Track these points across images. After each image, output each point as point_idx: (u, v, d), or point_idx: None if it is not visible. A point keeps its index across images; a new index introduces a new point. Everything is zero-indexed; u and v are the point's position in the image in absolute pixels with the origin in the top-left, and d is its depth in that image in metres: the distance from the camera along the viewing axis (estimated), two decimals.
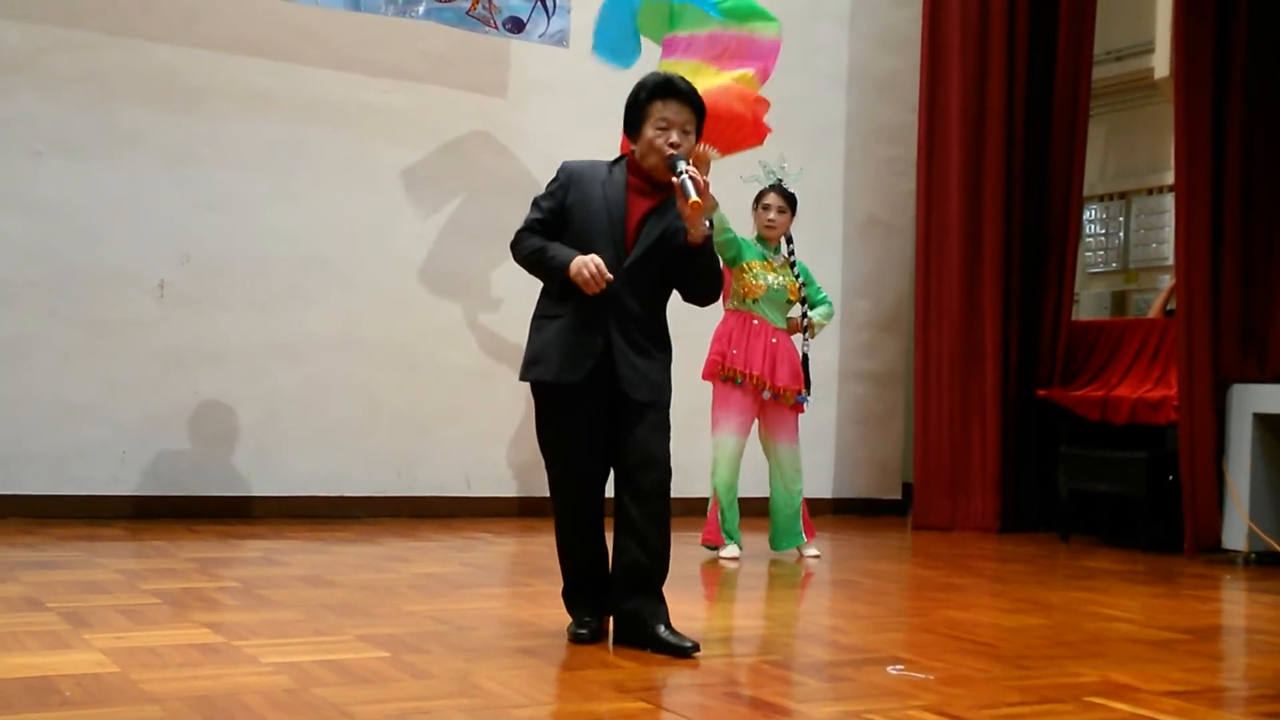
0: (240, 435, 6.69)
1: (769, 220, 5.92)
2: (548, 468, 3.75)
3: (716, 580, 5.35)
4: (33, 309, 6.27)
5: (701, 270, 3.68)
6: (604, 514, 3.76)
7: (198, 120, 6.64)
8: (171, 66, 6.59)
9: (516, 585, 4.90)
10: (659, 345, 3.71)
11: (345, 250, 6.95)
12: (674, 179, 3.57)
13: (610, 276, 3.54)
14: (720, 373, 5.81)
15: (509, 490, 7.35)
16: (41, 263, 6.29)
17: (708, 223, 3.59)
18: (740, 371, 5.78)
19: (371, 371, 7.00)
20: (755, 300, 5.85)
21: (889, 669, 3.45)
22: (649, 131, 3.67)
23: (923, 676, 3.36)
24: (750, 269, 5.84)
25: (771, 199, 5.92)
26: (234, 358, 6.67)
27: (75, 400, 6.31)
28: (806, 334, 5.98)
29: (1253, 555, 6.48)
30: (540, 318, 3.75)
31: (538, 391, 3.73)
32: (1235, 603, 5.43)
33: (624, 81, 7.77)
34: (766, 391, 5.82)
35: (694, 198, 3.46)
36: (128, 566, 4.81)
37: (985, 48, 7.96)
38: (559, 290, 3.64)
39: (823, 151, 8.23)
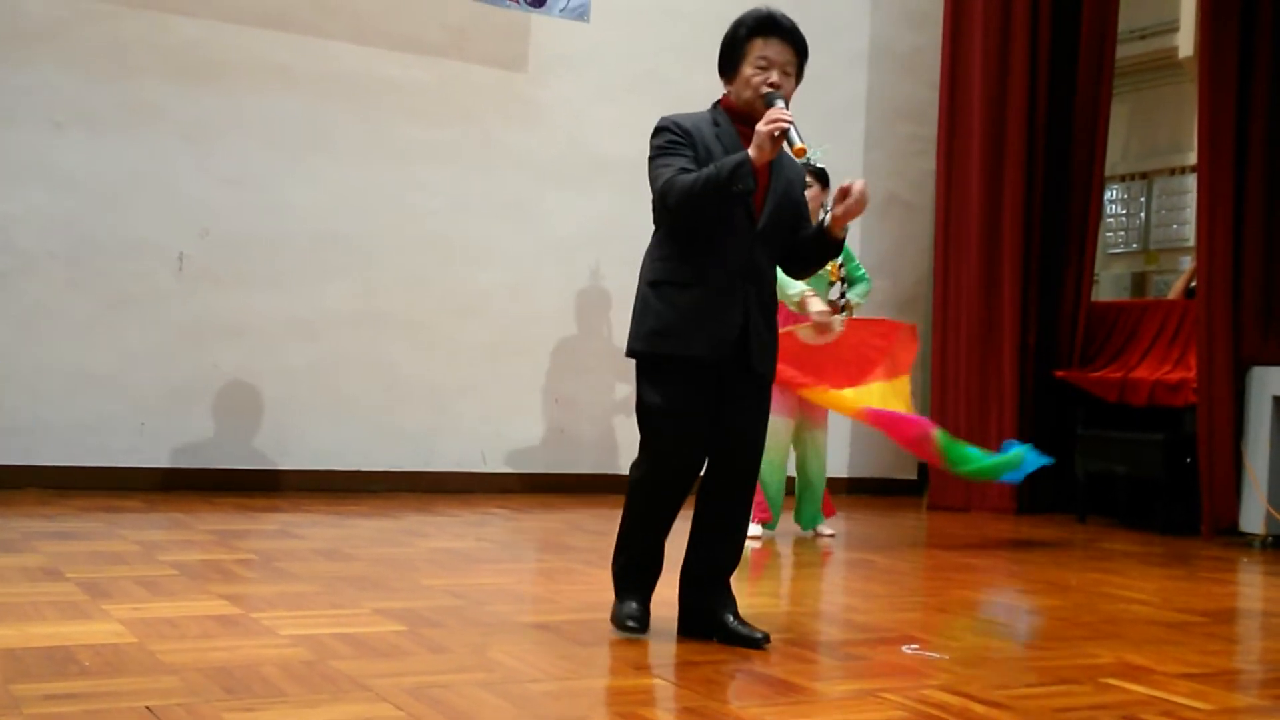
0: (259, 409, 6.71)
1: None
2: (650, 443, 3.43)
3: None
4: (53, 280, 6.29)
5: (825, 250, 3.50)
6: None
7: (218, 93, 6.64)
8: (192, 39, 6.59)
9: (533, 561, 4.91)
10: (775, 311, 3.53)
11: (364, 225, 6.96)
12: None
13: (790, 116, 3.24)
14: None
15: (525, 466, 7.37)
16: (61, 234, 6.31)
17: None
18: None
19: (389, 347, 7.01)
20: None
21: (904, 648, 3.45)
22: (747, 70, 3.39)
23: (938, 656, 3.36)
24: None
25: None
26: (253, 332, 6.69)
27: (95, 372, 6.34)
28: (844, 314, 5.97)
29: (1270, 538, 6.46)
30: (666, 284, 3.39)
31: (660, 365, 3.39)
32: (1252, 585, 5.42)
33: (646, 57, 7.80)
34: None
35: (799, 144, 3.21)
36: (146, 538, 4.84)
37: (1008, 25, 7.90)
38: (704, 241, 3.36)
39: (843, 129, 8.19)
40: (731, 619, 3.43)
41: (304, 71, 6.84)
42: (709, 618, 3.43)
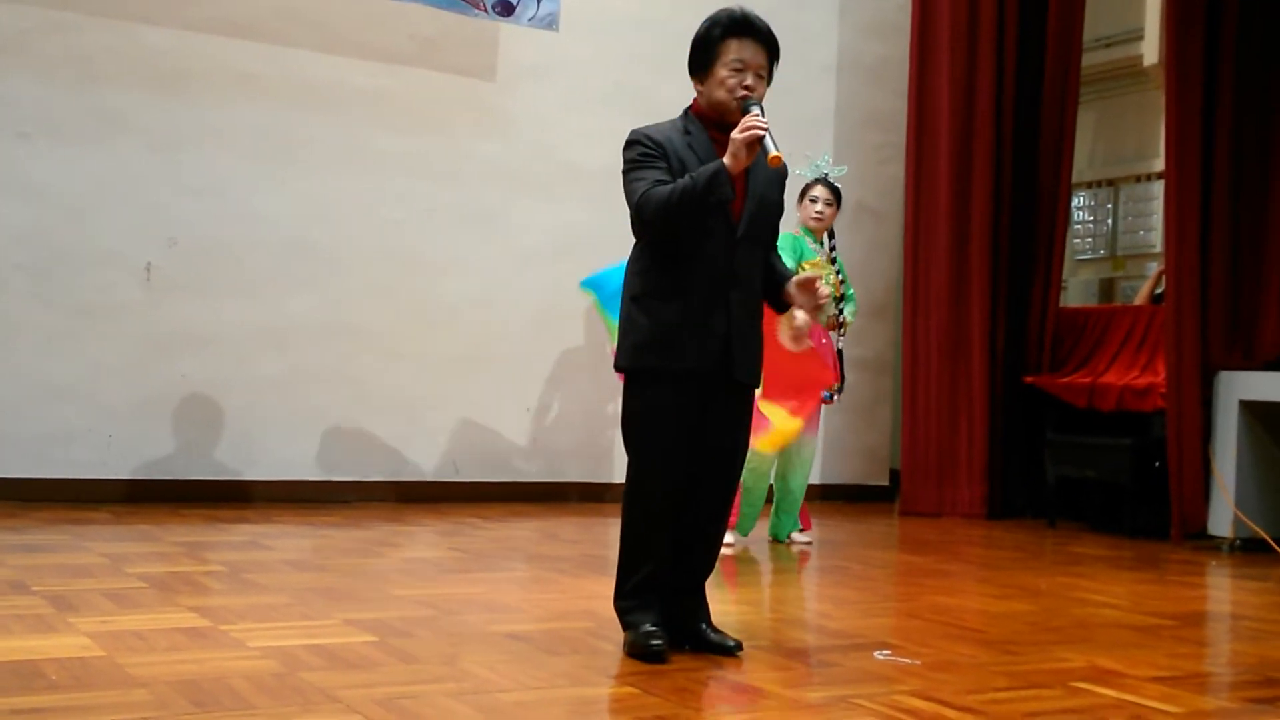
0: (228, 419, 6.67)
1: (816, 212, 5.94)
2: (640, 458, 3.36)
3: None
4: (18, 292, 6.24)
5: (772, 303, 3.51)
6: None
7: (185, 103, 6.61)
8: (159, 49, 6.55)
9: (505, 570, 4.89)
10: (760, 314, 3.46)
11: (332, 235, 6.93)
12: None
13: (766, 123, 3.22)
14: None
15: (497, 475, 7.35)
16: (27, 246, 6.26)
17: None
18: None
19: (359, 356, 6.98)
20: None
21: (876, 654, 3.45)
22: (721, 71, 3.33)
23: (909, 662, 3.37)
24: (804, 269, 5.87)
25: (819, 191, 5.94)
26: (221, 342, 6.65)
27: (61, 384, 6.28)
28: (841, 331, 6.03)
29: (1238, 542, 6.50)
30: (647, 297, 3.35)
31: (647, 378, 3.35)
32: (1220, 589, 5.45)
33: (615, 66, 7.80)
34: (826, 390, 5.88)
35: (774, 151, 3.17)
36: (114, 550, 4.80)
37: (975, 34, 7.95)
38: (688, 243, 3.31)
39: (812, 139, 8.20)
40: (704, 627, 3.42)
41: (272, 81, 6.81)
42: (682, 625, 3.41)
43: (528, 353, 7.43)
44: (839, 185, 6.05)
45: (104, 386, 6.38)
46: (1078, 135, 8.06)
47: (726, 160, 3.22)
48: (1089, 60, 8.26)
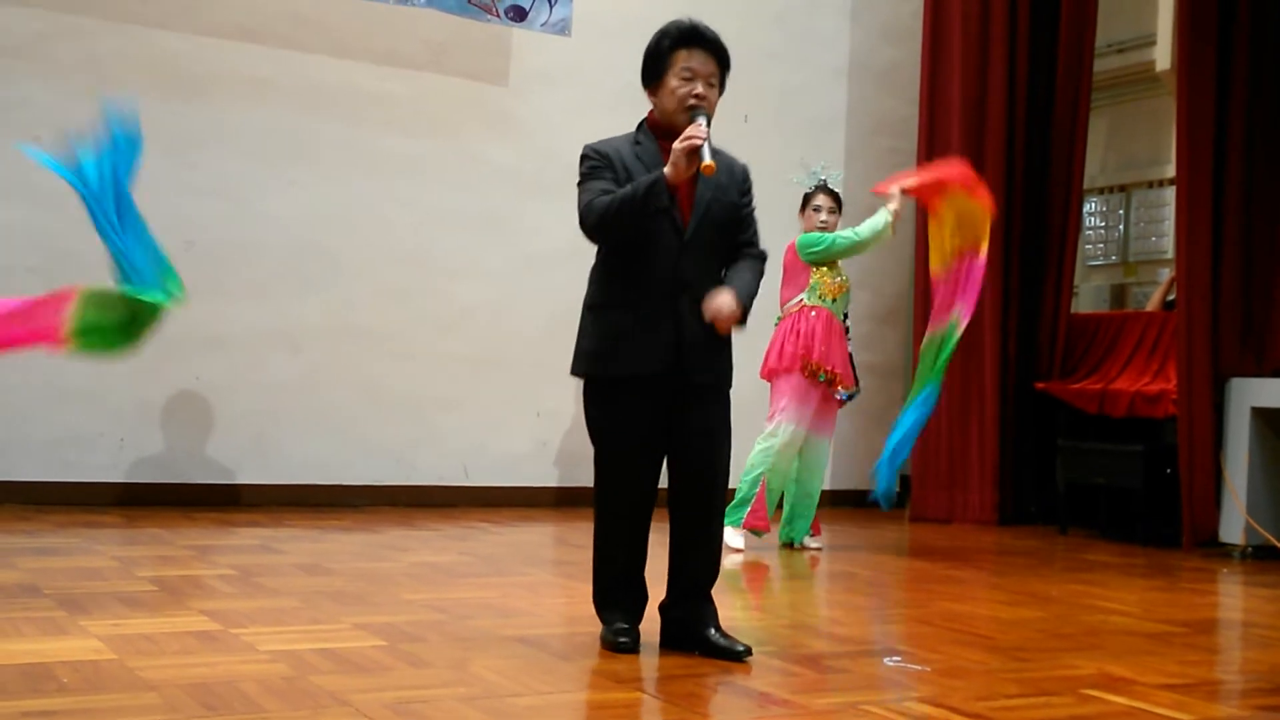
0: (239, 423, 6.68)
1: (821, 222, 5.98)
2: (601, 463, 3.48)
3: None
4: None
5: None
6: (653, 510, 3.53)
7: (197, 107, 6.63)
8: (171, 54, 6.58)
9: (514, 575, 4.89)
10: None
11: (344, 238, 6.95)
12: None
13: (705, 133, 3.28)
14: (808, 368, 5.83)
15: (507, 480, 7.35)
16: (40, 249, 6.28)
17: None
18: (827, 369, 5.84)
19: (370, 360, 6.99)
20: (834, 299, 5.94)
21: (886, 661, 3.45)
22: (672, 81, 3.41)
23: (920, 668, 3.37)
24: (833, 268, 5.96)
25: (821, 200, 6.00)
26: (233, 345, 6.67)
27: (73, 387, 6.30)
28: (848, 334, 6.08)
29: (1249, 549, 6.48)
30: (598, 306, 3.48)
31: (599, 385, 3.45)
32: (1232, 596, 5.44)
33: (627, 72, 7.77)
34: (843, 391, 5.92)
35: (707, 160, 3.23)
36: (125, 553, 4.81)
37: (986, 39, 7.94)
38: (636, 239, 3.38)
39: (823, 143, 8.20)
40: (713, 632, 3.44)
41: (283, 85, 6.83)
42: (690, 630, 3.44)
43: (539, 356, 7.43)
44: (838, 190, 6.08)
45: (115, 390, 6.39)
46: (1089, 141, 8.03)
47: (667, 170, 3.30)
48: (1101, 65, 8.24)
